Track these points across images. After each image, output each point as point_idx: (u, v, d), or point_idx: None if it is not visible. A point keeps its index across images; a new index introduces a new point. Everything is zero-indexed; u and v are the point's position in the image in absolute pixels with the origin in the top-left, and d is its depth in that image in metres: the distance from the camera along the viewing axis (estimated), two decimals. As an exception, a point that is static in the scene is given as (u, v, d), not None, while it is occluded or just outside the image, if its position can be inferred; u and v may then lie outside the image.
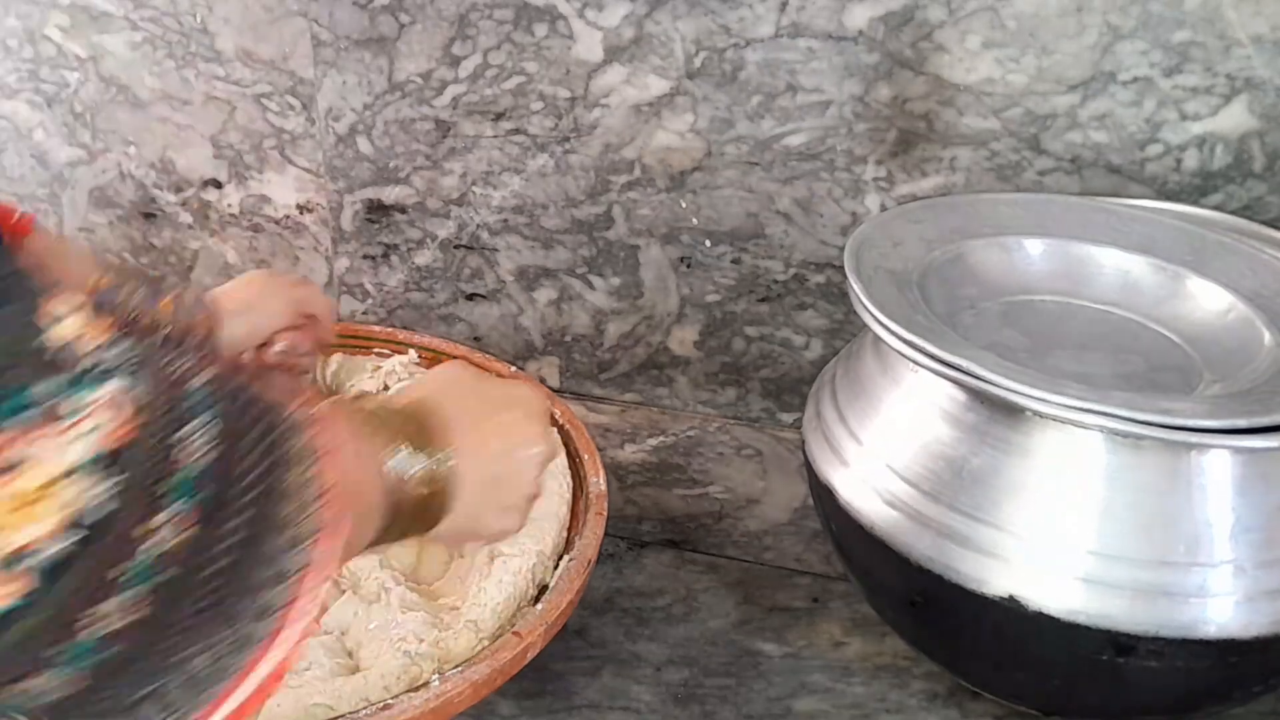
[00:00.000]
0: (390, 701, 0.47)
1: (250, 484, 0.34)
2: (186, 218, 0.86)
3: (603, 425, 0.66)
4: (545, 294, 0.81)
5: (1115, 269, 0.58)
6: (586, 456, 0.63)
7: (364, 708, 0.47)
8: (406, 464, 0.45)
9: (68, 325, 0.30)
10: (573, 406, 0.68)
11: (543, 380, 0.71)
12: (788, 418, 0.79)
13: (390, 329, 0.77)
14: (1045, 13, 0.63)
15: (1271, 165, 0.63)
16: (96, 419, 0.30)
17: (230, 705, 0.33)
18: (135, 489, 0.30)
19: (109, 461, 0.30)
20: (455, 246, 0.81)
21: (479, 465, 0.47)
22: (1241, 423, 0.44)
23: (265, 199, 0.83)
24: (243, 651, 0.33)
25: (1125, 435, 0.45)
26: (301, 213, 0.83)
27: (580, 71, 0.72)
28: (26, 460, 0.29)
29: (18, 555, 0.28)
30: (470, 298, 0.82)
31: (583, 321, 0.81)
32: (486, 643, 0.50)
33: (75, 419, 0.30)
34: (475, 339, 0.83)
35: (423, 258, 0.82)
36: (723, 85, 0.70)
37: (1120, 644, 0.46)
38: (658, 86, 0.71)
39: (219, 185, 0.84)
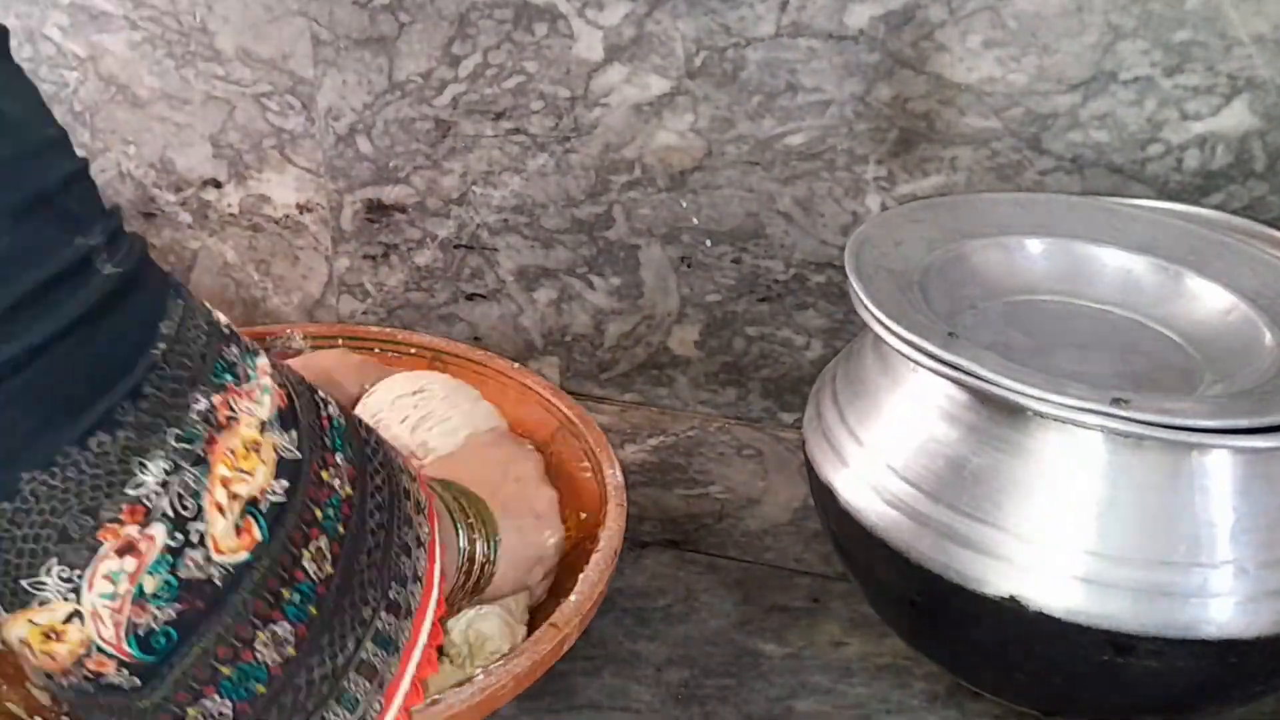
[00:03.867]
0: (438, 697, 0.47)
1: (376, 456, 0.39)
2: (186, 217, 0.86)
3: (603, 425, 0.66)
4: (545, 294, 0.80)
5: (1116, 269, 0.57)
6: (599, 449, 0.63)
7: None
8: (471, 546, 0.50)
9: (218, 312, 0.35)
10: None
11: (542, 375, 0.71)
12: (788, 418, 0.79)
13: (390, 329, 0.77)
14: (1046, 12, 0.63)
15: (1273, 165, 0.63)
16: (266, 381, 0.34)
17: (409, 673, 0.37)
18: (308, 442, 0.34)
19: (285, 418, 0.34)
20: (455, 246, 0.81)
21: (517, 543, 0.53)
22: (1243, 423, 0.44)
23: (265, 199, 0.83)
24: (408, 618, 0.37)
25: (1126, 435, 0.45)
26: (301, 212, 0.83)
27: (580, 71, 0.72)
28: (239, 414, 0.32)
29: (252, 502, 0.32)
30: (470, 298, 0.82)
31: (583, 321, 0.81)
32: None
33: (256, 381, 0.33)
34: (475, 339, 0.83)
35: (423, 257, 0.82)
36: (723, 85, 0.70)
37: (1121, 644, 0.46)
38: (658, 86, 0.71)
39: (218, 185, 0.84)
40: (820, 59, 0.68)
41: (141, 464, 0.30)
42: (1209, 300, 0.55)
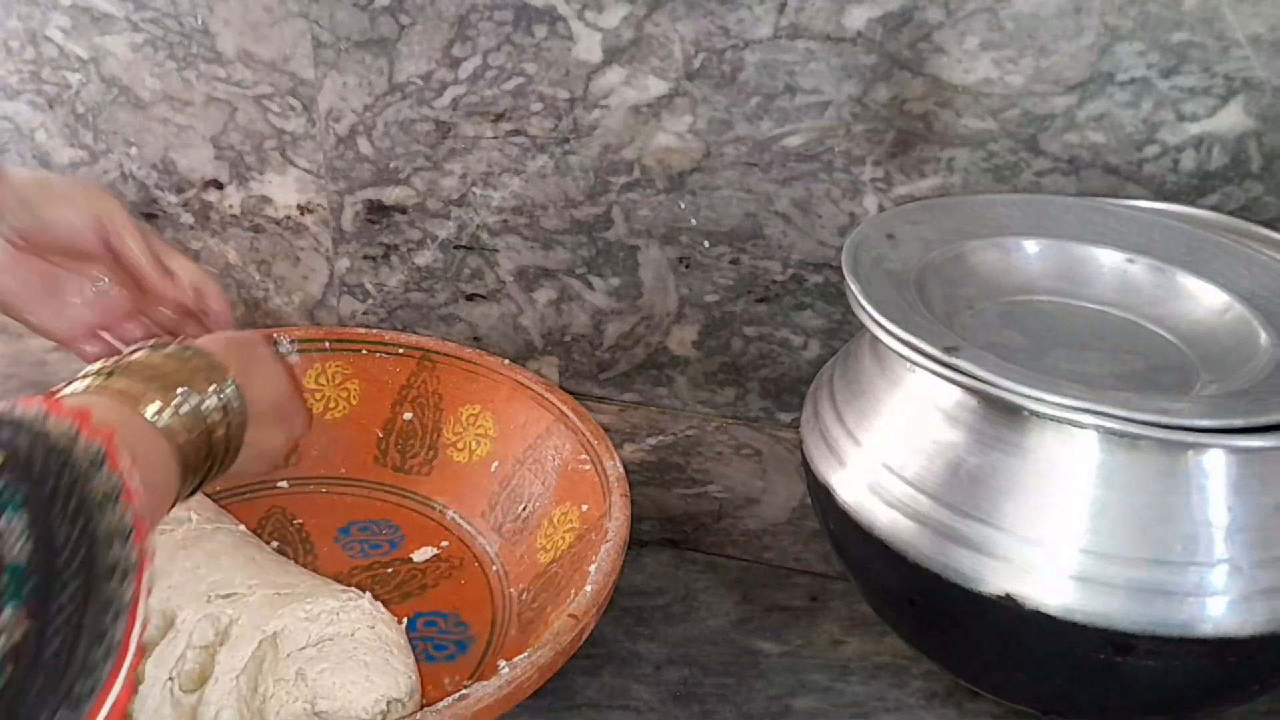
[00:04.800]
0: (465, 691, 0.48)
1: (70, 556, 0.33)
2: (188, 218, 0.86)
3: (602, 425, 0.66)
4: (545, 294, 0.81)
5: (1113, 269, 0.58)
6: (597, 442, 0.64)
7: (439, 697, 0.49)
8: (191, 405, 0.47)
9: None
10: (572, 406, 0.68)
11: (541, 375, 0.71)
12: (786, 417, 0.79)
13: (378, 330, 0.77)
14: (1043, 14, 0.63)
15: (1269, 166, 0.64)
16: None
17: None
18: None
19: None
20: (455, 247, 0.81)
21: (260, 389, 0.51)
22: (1238, 422, 0.44)
23: (266, 200, 0.84)
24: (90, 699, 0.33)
25: (1122, 435, 0.45)
26: (302, 213, 0.83)
27: (580, 72, 0.72)
28: None
29: None
30: (470, 298, 0.82)
31: (582, 321, 0.81)
32: None
33: None
34: (475, 339, 0.84)
35: (423, 258, 0.82)
36: (722, 86, 0.70)
37: (1118, 643, 0.47)
38: (657, 88, 0.71)
39: (220, 186, 0.84)
40: (818, 61, 0.68)
41: None
42: (1205, 300, 0.55)
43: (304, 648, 0.53)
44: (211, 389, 0.49)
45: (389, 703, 0.52)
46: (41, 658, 0.31)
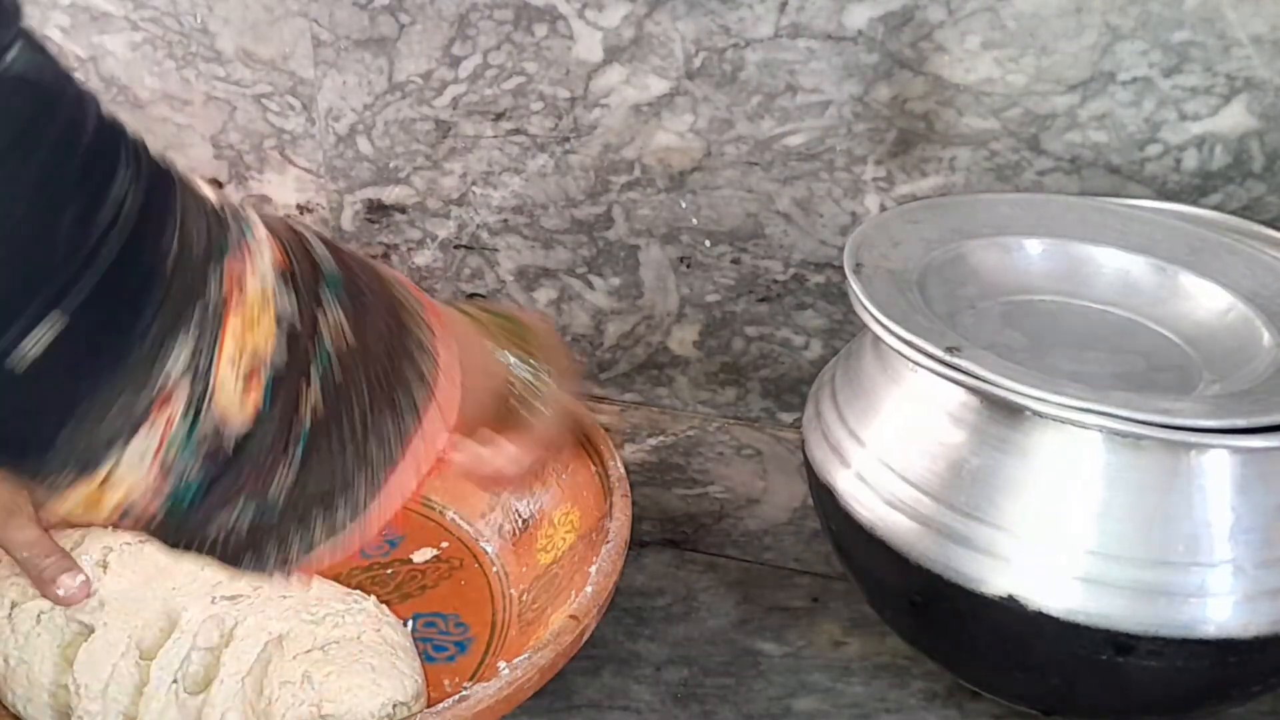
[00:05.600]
0: (465, 693, 0.48)
1: (373, 300, 0.40)
2: (187, 218, 0.86)
3: (602, 425, 0.66)
4: (545, 294, 0.81)
5: (1115, 269, 0.58)
6: (598, 442, 0.64)
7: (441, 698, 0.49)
8: (516, 368, 0.51)
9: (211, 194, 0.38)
10: (573, 406, 0.68)
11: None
12: (787, 417, 0.79)
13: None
14: (1045, 13, 0.63)
15: (1271, 165, 0.63)
16: (264, 249, 0.36)
17: (395, 484, 0.40)
18: (304, 298, 0.37)
19: (283, 279, 0.36)
20: (455, 246, 0.81)
21: (558, 392, 0.53)
22: (1240, 422, 0.44)
23: (265, 199, 0.83)
24: (399, 442, 0.40)
25: (1124, 435, 0.45)
26: (302, 213, 0.83)
27: (580, 72, 0.72)
28: (246, 281, 0.35)
29: (261, 362, 0.35)
30: (470, 298, 0.82)
31: (582, 321, 0.81)
32: None
33: (254, 239, 0.36)
34: (475, 339, 0.84)
35: (423, 258, 0.82)
36: (722, 85, 0.70)
37: (1120, 643, 0.46)
38: (657, 87, 0.71)
39: (219, 185, 0.84)
40: (819, 60, 0.68)
41: (173, 343, 0.33)
42: (1207, 300, 0.55)
43: (310, 650, 0.53)
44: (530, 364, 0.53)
45: (395, 706, 0.51)
46: (359, 367, 0.39)
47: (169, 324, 0.33)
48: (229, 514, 0.36)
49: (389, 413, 0.39)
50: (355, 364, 0.38)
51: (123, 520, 0.35)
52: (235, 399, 0.35)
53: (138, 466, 0.34)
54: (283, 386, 0.36)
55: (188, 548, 0.37)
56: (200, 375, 0.34)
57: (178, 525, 0.36)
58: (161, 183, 0.37)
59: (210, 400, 0.34)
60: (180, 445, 0.34)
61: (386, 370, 0.40)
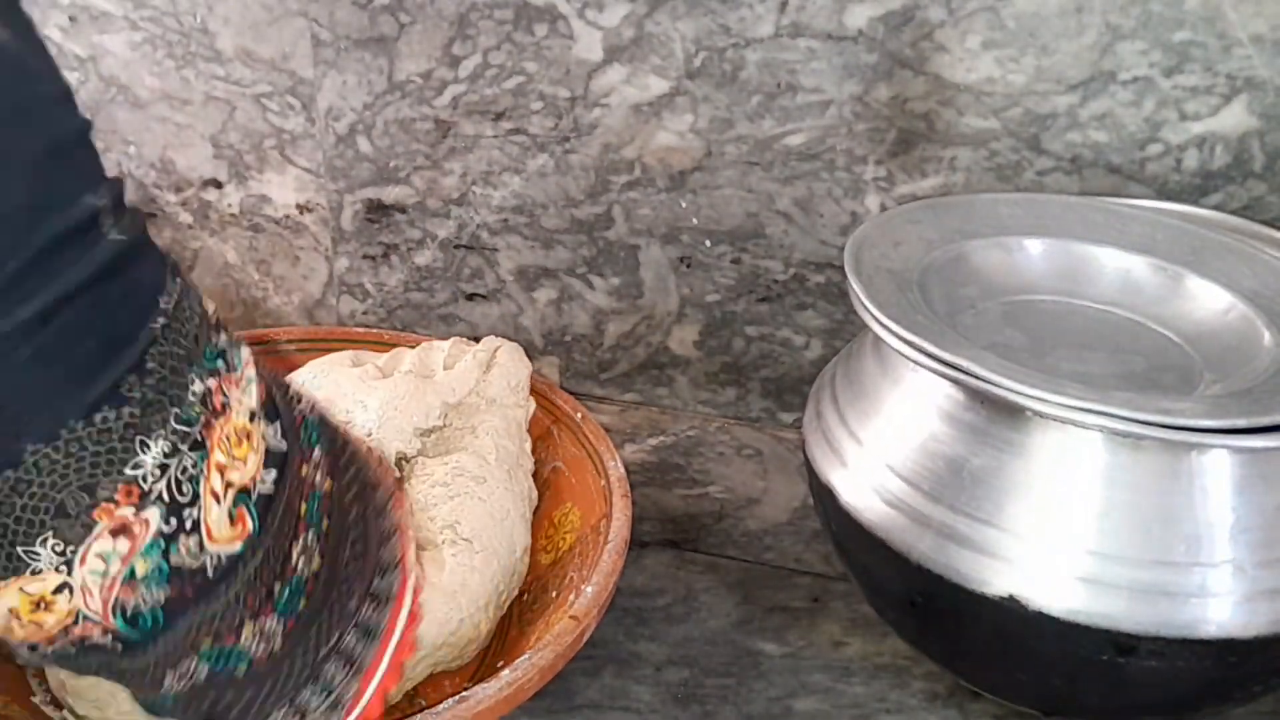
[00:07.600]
0: (465, 694, 0.48)
1: (345, 449, 0.39)
2: (186, 218, 0.86)
3: (603, 425, 0.66)
4: (545, 294, 0.81)
5: (1115, 269, 0.58)
6: (598, 442, 0.64)
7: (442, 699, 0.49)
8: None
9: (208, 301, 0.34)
10: (573, 406, 0.68)
11: (541, 375, 0.71)
12: (788, 418, 0.79)
13: (377, 330, 0.77)
14: (1045, 13, 0.63)
15: (1271, 165, 0.63)
16: (250, 372, 0.34)
17: (387, 658, 0.38)
18: (289, 435, 0.34)
19: (269, 410, 0.34)
20: (455, 246, 0.81)
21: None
22: (1241, 422, 0.44)
23: (265, 199, 0.83)
24: (388, 605, 0.38)
25: (1125, 435, 0.45)
26: (301, 212, 0.83)
27: (580, 71, 0.72)
28: (230, 400, 0.32)
29: (244, 491, 0.32)
30: (470, 298, 0.82)
31: (583, 321, 0.81)
32: None
33: (243, 371, 0.33)
34: (475, 339, 0.83)
35: (423, 258, 0.82)
36: (723, 85, 0.70)
37: (1121, 644, 0.46)
38: (658, 86, 0.71)
39: (219, 185, 0.84)
40: (819, 59, 0.68)
41: (143, 443, 0.30)
42: (1208, 300, 0.55)
43: None
44: None
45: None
46: (346, 516, 0.36)
47: (136, 416, 0.30)
48: (189, 662, 0.32)
49: (377, 575, 0.37)
50: (343, 521, 0.36)
51: (68, 635, 0.30)
52: (221, 519, 0.31)
53: (90, 576, 0.30)
54: (272, 515, 0.33)
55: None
56: (178, 489, 0.30)
57: (130, 649, 0.31)
58: (146, 244, 0.32)
59: (189, 520, 0.30)
60: (147, 565, 0.30)
61: (368, 530, 0.37)
